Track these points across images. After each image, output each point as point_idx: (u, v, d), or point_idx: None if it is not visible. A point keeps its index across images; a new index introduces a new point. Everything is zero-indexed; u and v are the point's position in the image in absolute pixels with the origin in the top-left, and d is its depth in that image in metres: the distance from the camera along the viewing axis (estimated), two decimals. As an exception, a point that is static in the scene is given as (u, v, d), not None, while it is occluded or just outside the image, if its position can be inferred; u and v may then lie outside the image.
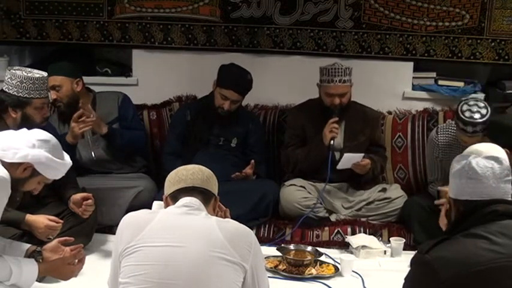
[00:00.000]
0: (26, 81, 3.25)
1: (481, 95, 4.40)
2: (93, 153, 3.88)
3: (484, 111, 3.49)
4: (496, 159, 2.08)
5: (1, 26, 4.56)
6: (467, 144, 3.51)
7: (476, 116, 3.48)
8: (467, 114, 3.50)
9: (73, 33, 4.57)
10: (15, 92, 3.24)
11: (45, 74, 3.37)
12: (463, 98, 3.66)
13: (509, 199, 2.04)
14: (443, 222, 2.24)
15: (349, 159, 3.84)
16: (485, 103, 3.57)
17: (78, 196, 3.37)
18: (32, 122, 3.19)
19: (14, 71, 3.28)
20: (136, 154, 4.08)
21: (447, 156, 3.68)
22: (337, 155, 3.95)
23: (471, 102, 3.56)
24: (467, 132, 3.50)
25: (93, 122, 3.70)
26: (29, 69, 3.37)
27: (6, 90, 3.27)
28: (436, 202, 3.16)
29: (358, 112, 4.06)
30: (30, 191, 2.63)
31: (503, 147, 3.13)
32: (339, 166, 3.87)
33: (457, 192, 2.08)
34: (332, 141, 3.85)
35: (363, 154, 3.88)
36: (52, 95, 3.75)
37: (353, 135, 4.03)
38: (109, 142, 3.87)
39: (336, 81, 3.87)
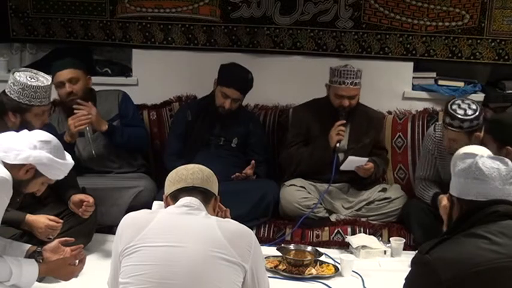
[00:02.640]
0: (27, 89, 3.22)
1: (481, 95, 4.40)
2: (93, 151, 3.88)
3: (472, 110, 3.50)
4: (501, 159, 2.08)
5: (10, 24, 4.60)
6: (452, 145, 3.52)
7: (468, 112, 3.49)
8: (455, 108, 3.52)
9: (77, 32, 4.58)
10: (16, 98, 3.22)
11: (49, 81, 3.33)
12: (458, 96, 3.66)
13: (511, 200, 2.04)
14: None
15: (352, 162, 3.84)
16: (478, 105, 3.56)
17: (77, 198, 3.37)
18: (31, 127, 3.16)
19: (17, 77, 3.23)
20: (138, 151, 4.09)
21: (442, 154, 3.68)
22: (341, 156, 3.95)
23: (464, 100, 3.59)
24: (453, 127, 3.49)
25: (93, 119, 3.71)
26: (35, 72, 3.33)
27: (8, 93, 3.25)
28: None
29: (362, 114, 4.06)
30: (33, 192, 2.64)
31: (504, 144, 3.14)
32: (342, 167, 3.88)
33: (461, 192, 2.07)
34: (338, 144, 3.86)
35: (367, 159, 3.87)
36: (67, 88, 3.75)
37: (358, 137, 4.02)
38: (109, 139, 3.88)
39: (348, 83, 3.86)
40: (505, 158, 2.12)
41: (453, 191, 2.12)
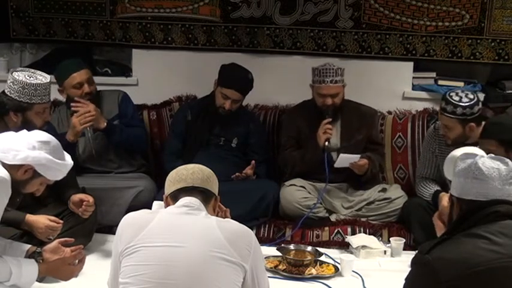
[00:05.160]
0: (27, 87, 3.23)
1: (481, 95, 4.40)
2: (93, 150, 3.89)
3: (468, 99, 3.58)
4: (501, 159, 2.08)
5: (11, 24, 4.60)
6: (446, 133, 3.57)
7: (464, 99, 3.57)
8: (452, 94, 3.62)
9: (78, 32, 4.58)
10: (16, 97, 3.23)
11: (47, 78, 3.34)
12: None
13: (511, 200, 2.04)
14: (439, 227, 2.26)
15: (345, 159, 3.85)
16: (477, 97, 3.63)
17: (77, 197, 3.38)
18: (32, 126, 3.17)
19: (16, 76, 3.24)
20: (137, 151, 4.09)
21: (443, 153, 3.70)
22: (334, 155, 3.95)
23: (463, 90, 3.69)
24: (446, 112, 3.57)
25: (93, 116, 3.72)
26: (32, 71, 3.35)
27: (8, 93, 3.26)
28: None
29: (353, 111, 4.06)
30: (32, 192, 2.63)
31: (507, 146, 3.13)
32: (336, 165, 3.88)
33: (461, 192, 2.08)
34: (327, 143, 3.86)
35: (359, 155, 3.87)
36: (86, 88, 3.77)
37: (349, 134, 4.03)
38: (108, 137, 3.88)
39: (328, 81, 3.88)
40: (506, 158, 2.11)
41: (454, 191, 2.12)
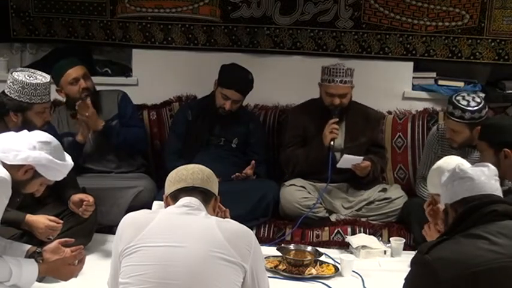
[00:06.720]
0: (27, 87, 3.23)
1: (481, 95, 4.40)
2: (94, 150, 3.90)
3: (476, 103, 3.58)
4: (482, 165, 2.15)
5: (11, 24, 4.61)
6: (453, 137, 3.57)
7: (471, 103, 3.57)
8: (458, 98, 3.60)
9: (78, 32, 4.59)
10: (16, 97, 3.23)
11: (47, 78, 3.35)
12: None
13: (508, 199, 2.06)
14: (429, 233, 2.29)
15: (348, 160, 3.85)
16: (483, 100, 3.63)
17: (77, 197, 3.38)
18: (33, 126, 3.18)
19: (16, 76, 3.25)
20: (136, 151, 4.09)
21: (446, 154, 3.70)
22: (337, 155, 3.95)
23: (469, 93, 3.68)
24: (454, 117, 3.57)
25: (90, 119, 3.73)
26: (32, 71, 3.36)
27: (8, 93, 3.26)
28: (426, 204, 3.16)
29: (359, 112, 4.07)
30: (32, 192, 2.64)
31: (500, 148, 3.14)
32: (339, 165, 3.88)
33: (451, 196, 2.11)
34: (332, 142, 3.86)
35: (362, 157, 3.87)
36: (82, 83, 3.79)
37: (354, 136, 4.03)
38: (106, 139, 3.88)
39: (337, 81, 3.88)
40: (486, 163, 2.16)
41: (445, 200, 2.14)
